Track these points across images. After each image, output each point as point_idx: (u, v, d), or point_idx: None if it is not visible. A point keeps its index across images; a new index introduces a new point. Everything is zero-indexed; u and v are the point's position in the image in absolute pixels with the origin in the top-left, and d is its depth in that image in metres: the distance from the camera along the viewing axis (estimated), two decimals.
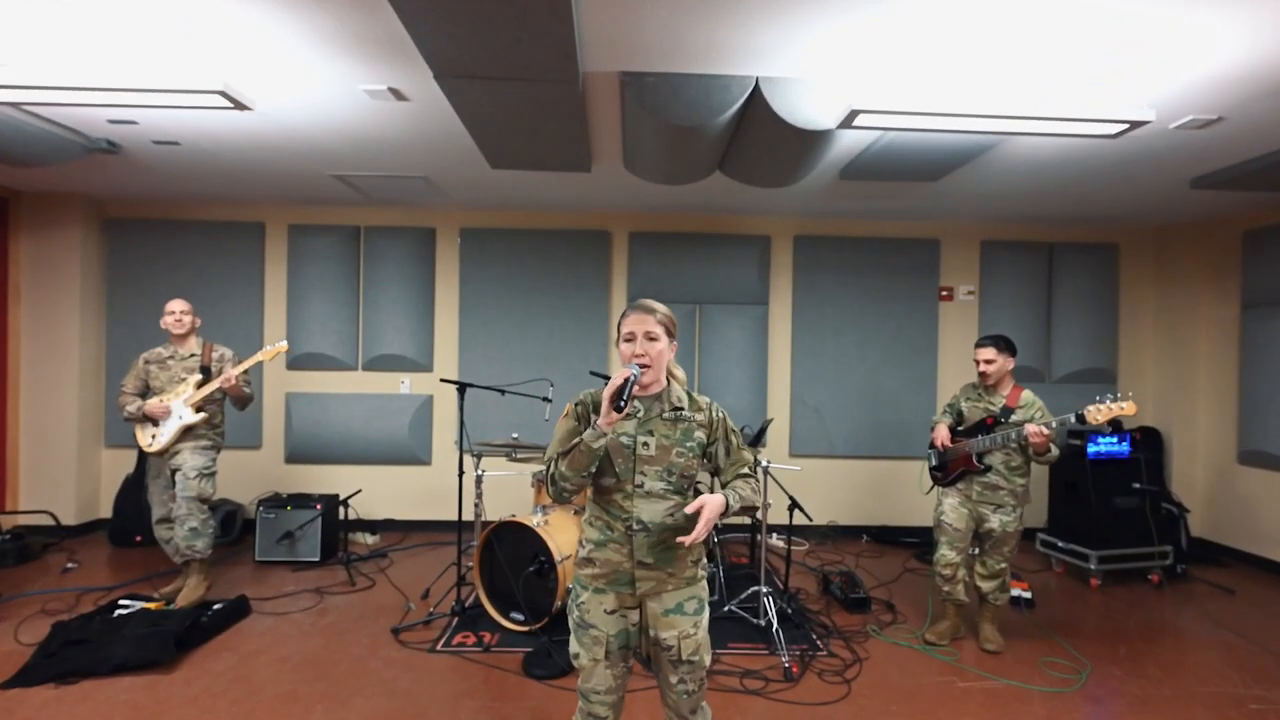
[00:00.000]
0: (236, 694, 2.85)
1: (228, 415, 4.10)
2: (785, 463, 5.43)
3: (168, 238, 5.34)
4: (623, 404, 1.69)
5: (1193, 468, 5.35)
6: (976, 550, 3.58)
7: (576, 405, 1.95)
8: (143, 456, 4.31)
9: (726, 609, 3.71)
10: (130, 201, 5.33)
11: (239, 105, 2.85)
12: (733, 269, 5.48)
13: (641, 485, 1.85)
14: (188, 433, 3.84)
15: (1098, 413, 2.97)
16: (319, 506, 4.62)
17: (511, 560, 3.50)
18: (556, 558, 3.36)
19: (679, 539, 1.78)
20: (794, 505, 3.87)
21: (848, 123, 2.79)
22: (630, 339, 1.87)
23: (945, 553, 3.49)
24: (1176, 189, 4.36)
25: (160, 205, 5.35)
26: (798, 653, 3.30)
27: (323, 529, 4.61)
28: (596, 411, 1.85)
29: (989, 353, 3.40)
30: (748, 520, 4.80)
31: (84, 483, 5.22)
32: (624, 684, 1.92)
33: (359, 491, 4.78)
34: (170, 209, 5.36)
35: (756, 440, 4.07)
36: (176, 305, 3.92)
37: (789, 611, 3.66)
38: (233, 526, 5.03)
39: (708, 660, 1.91)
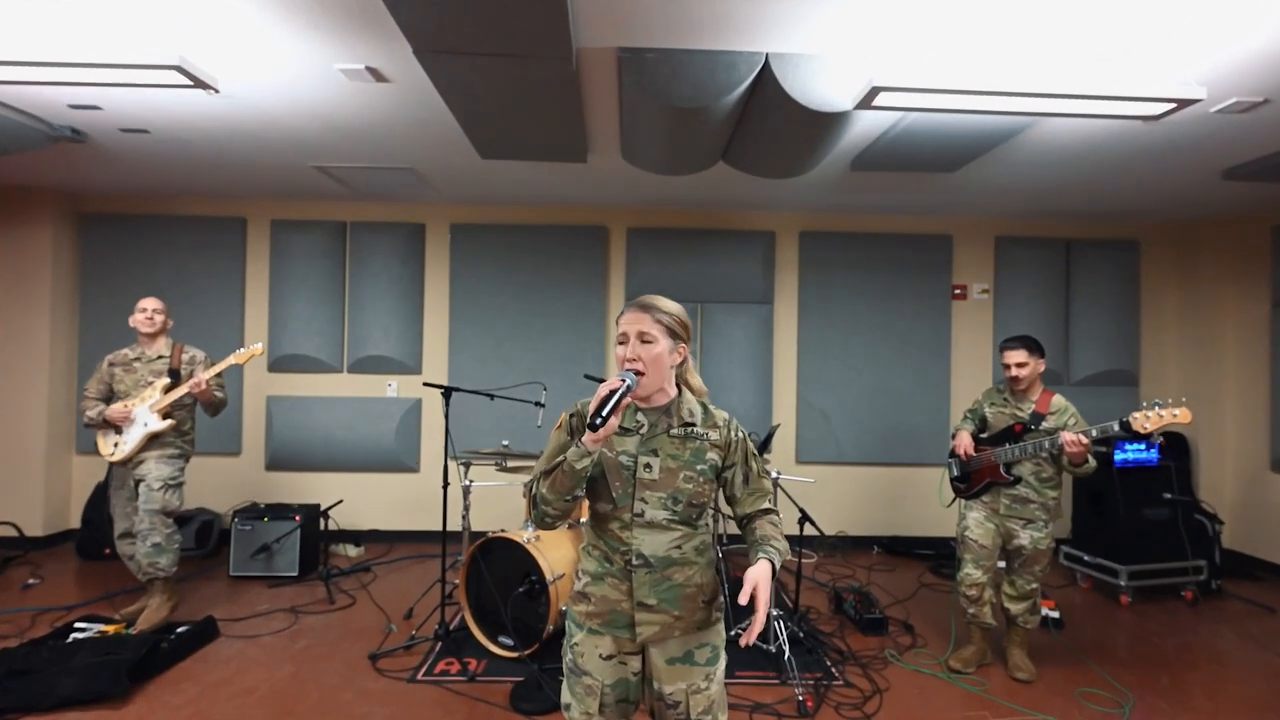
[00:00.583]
0: None
1: (200, 421, 3.84)
2: (792, 470, 5.18)
3: (145, 234, 5.08)
4: (599, 421, 1.43)
5: (1221, 476, 5.09)
6: (1004, 564, 3.31)
7: (571, 416, 1.69)
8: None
9: (734, 632, 3.44)
10: (105, 196, 5.07)
11: (200, 84, 2.59)
12: (736, 266, 5.22)
13: (641, 514, 1.59)
14: (153, 440, 3.57)
15: (1146, 420, 2.70)
16: (298, 518, 4.35)
17: (499, 580, 3.23)
18: (548, 577, 3.10)
19: (741, 640, 1.50)
20: (804, 518, 3.61)
21: (867, 102, 2.53)
22: (624, 341, 1.61)
23: (970, 571, 3.23)
24: (1207, 181, 4.10)
25: (137, 200, 5.09)
26: (811, 682, 3.03)
27: (302, 541, 4.34)
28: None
29: (1020, 355, 3.14)
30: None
31: (52, 492, 4.95)
32: None
33: (340, 502, 4.52)
34: (148, 204, 5.10)
35: (763, 448, 3.80)
36: (149, 303, 3.66)
37: (801, 635, 3.39)
38: (208, 538, 4.76)
39: None
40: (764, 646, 3.30)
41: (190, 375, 3.64)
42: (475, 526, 4.45)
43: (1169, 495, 4.30)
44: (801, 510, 3.60)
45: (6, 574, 4.36)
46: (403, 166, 4.19)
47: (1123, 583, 4.15)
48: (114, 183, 4.73)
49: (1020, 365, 3.12)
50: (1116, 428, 2.77)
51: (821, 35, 2.42)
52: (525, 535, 3.25)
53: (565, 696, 1.65)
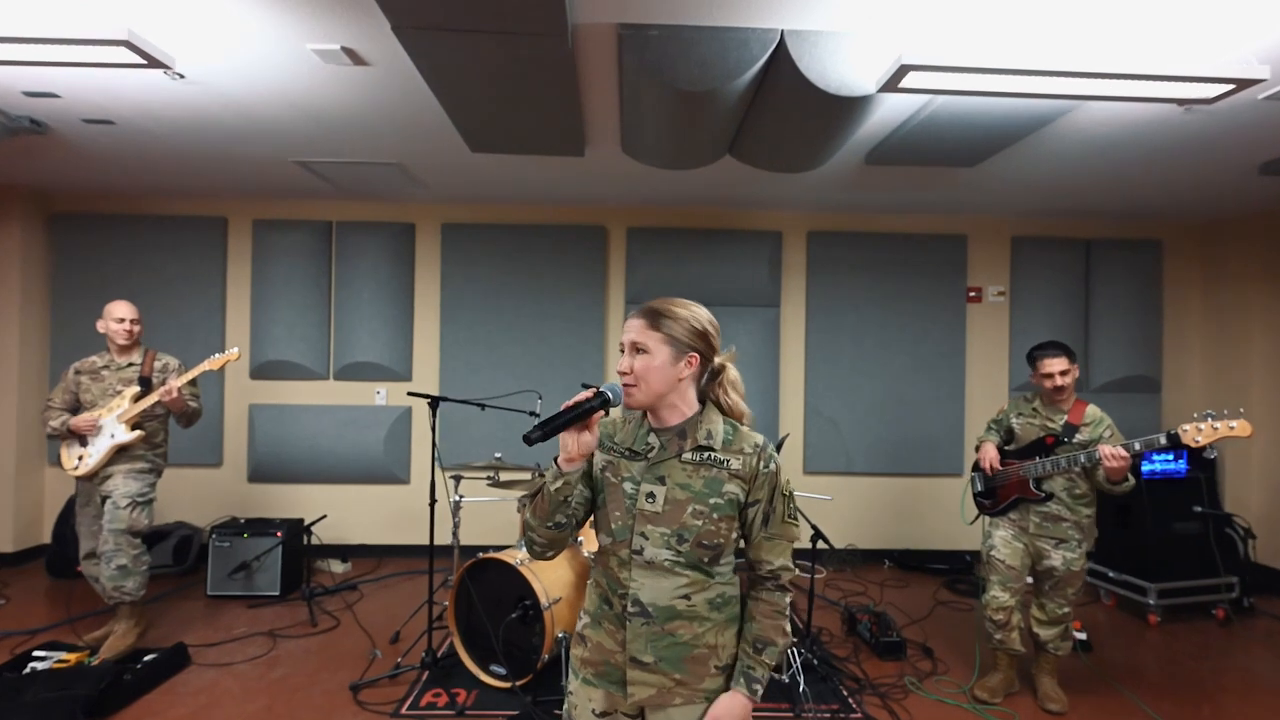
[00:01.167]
0: None
1: (179, 431, 3.60)
2: (799, 480, 4.94)
3: (121, 234, 4.84)
4: (536, 435, 1.25)
5: (1247, 487, 4.86)
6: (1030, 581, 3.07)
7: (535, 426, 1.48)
8: None
9: None
10: (78, 194, 4.83)
11: (153, 62, 2.36)
12: (741, 268, 4.99)
13: (640, 551, 1.36)
14: (121, 453, 3.34)
15: (1197, 433, 2.47)
16: (279, 534, 4.10)
17: (491, 604, 2.99)
18: (543, 602, 2.86)
19: None
20: (817, 534, 3.38)
21: (894, 84, 2.31)
22: (622, 349, 1.43)
23: (997, 594, 2.99)
24: (1241, 175, 3.88)
25: (112, 199, 4.85)
26: (828, 715, 2.80)
27: (284, 558, 4.10)
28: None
29: (1062, 362, 2.90)
30: None
31: (23, 506, 4.70)
32: None
33: (324, 517, 4.27)
34: (124, 203, 4.86)
35: None
36: (126, 311, 3.40)
37: (814, 661, 3.16)
38: (187, 554, 4.52)
39: None
40: (776, 675, 3.06)
41: (163, 384, 3.40)
42: (469, 541, 4.22)
43: (1199, 508, 4.07)
44: (815, 527, 3.37)
45: None
46: (389, 161, 3.96)
47: (1152, 601, 3.92)
48: (85, 180, 4.49)
49: (1064, 374, 2.89)
50: (1163, 440, 2.54)
51: (843, 9, 2.19)
52: (519, 556, 3.01)
53: None
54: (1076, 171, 3.90)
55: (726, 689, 1.38)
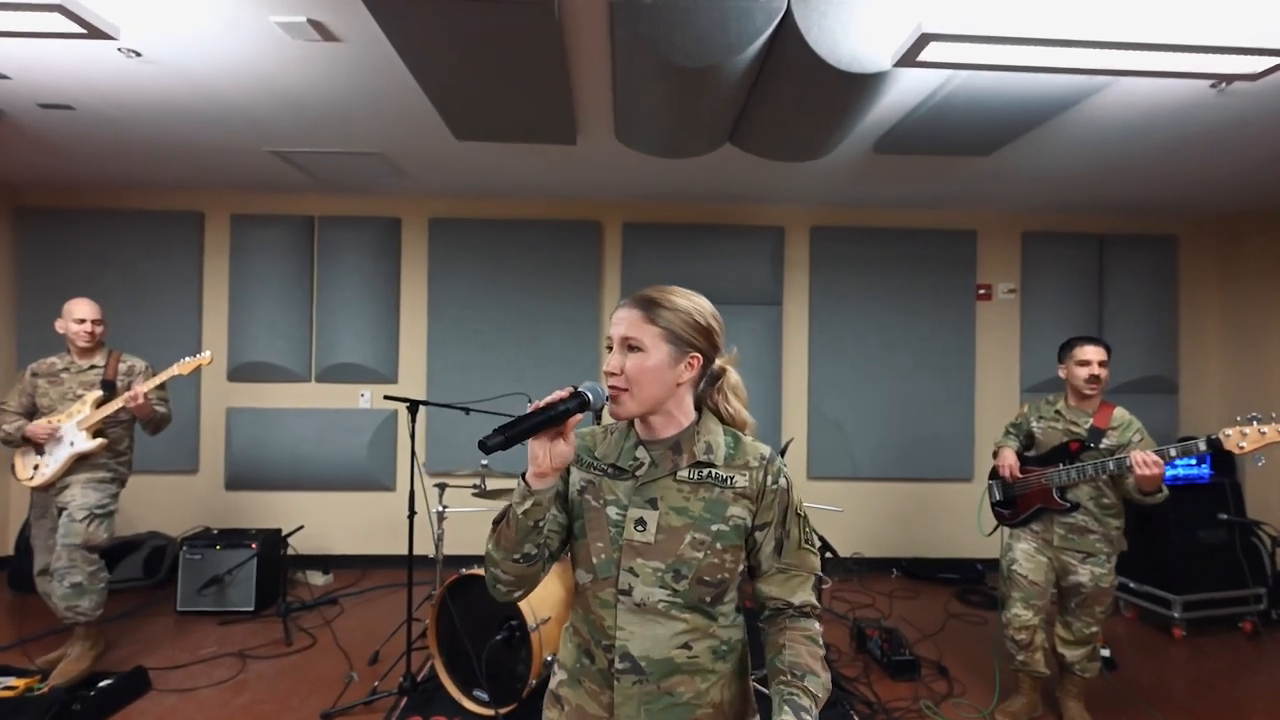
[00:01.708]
0: None
1: (148, 437, 3.37)
2: (802, 485, 4.73)
3: (92, 230, 4.61)
4: (495, 439, 1.02)
5: (1268, 492, 4.65)
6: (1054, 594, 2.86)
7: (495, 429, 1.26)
8: None
9: None
10: (46, 188, 4.60)
11: (94, 31, 2.14)
12: (741, 265, 4.78)
13: (629, 591, 1.15)
14: (81, 462, 3.12)
15: (1241, 437, 2.27)
16: (254, 545, 3.88)
17: (474, 623, 2.77)
18: (530, 623, 2.65)
19: None
20: (824, 547, 3.17)
21: (911, 57, 2.10)
22: (610, 345, 1.20)
23: (1019, 612, 2.78)
24: (1269, 163, 3.68)
25: (82, 192, 4.62)
26: None
27: (259, 571, 3.87)
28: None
29: (1102, 351, 2.70)
30: None
31: None
32: None
33: (300, 528, 4.06)
34: (96, 197, 4.64)
35: None
36: (87, 310, 3.18)
37: None
38: (159, 566, 4.29)
39: None
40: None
41: (129, 388, 3.18)
42: (455, 551, 4.00)
43: (1224, 515, 3.87)
44: (822, 539, 3.16)
45: None
46: (370, 151, 3.74)
47: (1177, 614, 3.72)
48: (52, 173, 4.27)
49: (1103, 364, 2.68)
50: (1203, 446, 2.34)
51: None
52: None
53: None
54: (1093, 162, 3.70)
55: None
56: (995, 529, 3.02)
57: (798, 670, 1.12)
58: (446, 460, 4.56)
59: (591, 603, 1.18)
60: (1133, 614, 4.05)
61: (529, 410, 1.07)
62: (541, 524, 1.11)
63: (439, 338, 4.72)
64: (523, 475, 1.10)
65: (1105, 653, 3.32)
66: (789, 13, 2.15)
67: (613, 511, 1.17)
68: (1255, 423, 2.27)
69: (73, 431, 3.11)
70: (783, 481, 1.21)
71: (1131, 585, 4.00)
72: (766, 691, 1.21)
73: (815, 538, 1.26)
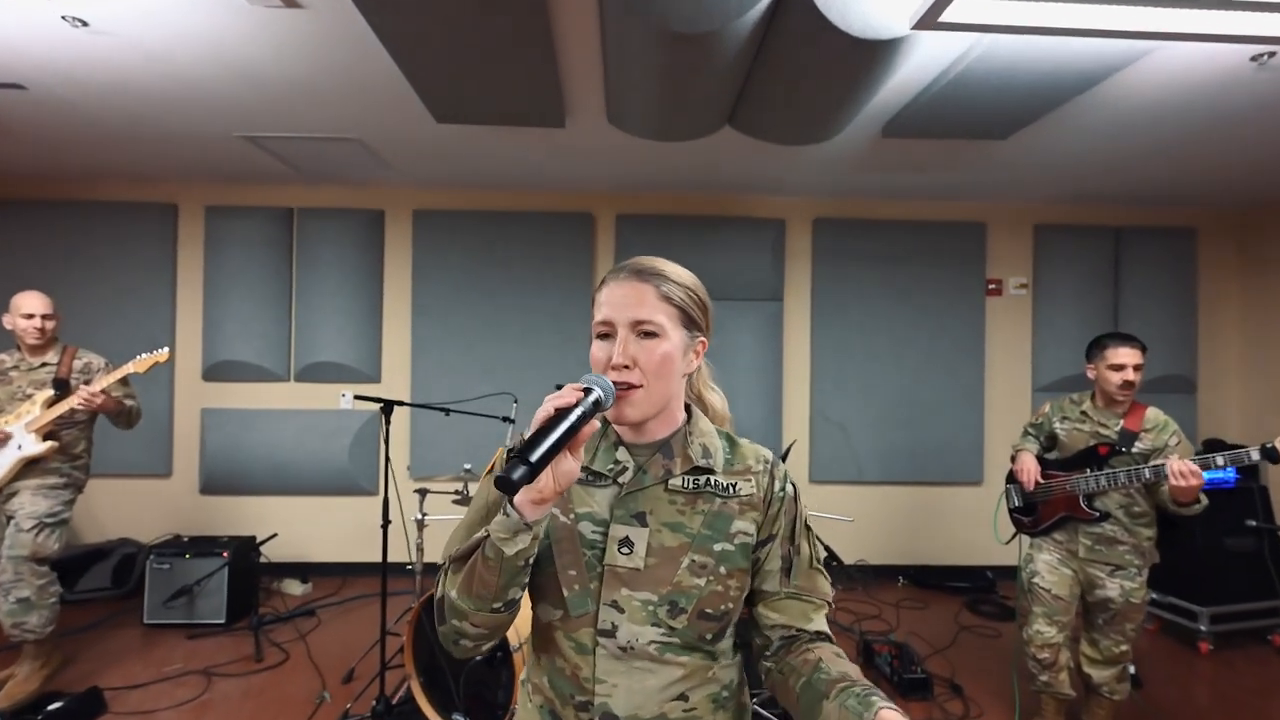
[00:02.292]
0: None
1: (125, 438, 3.15)
2: (805, 490, 4.52)
3: (59, 222, 4.38)
4: (522, 471, 0.77)
5: None
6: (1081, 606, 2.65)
7: (510, 454, 1.04)
8: None
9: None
10: (9, 179, 4.38)
11: None
12: (741, 258, 4.57)
13: (612, 631, 0.93)
14: (31, 467, 2.90)
15: None
16: (226, 554, 3.66)
17: None
18: (513, 643, 2.43)
19: None
20: (830, 556, 2.95)
21: (933, 18, 1.88)
22: (606, 333, 0.96)
23: (1042, 629, 2.57)
24: None
25: (49, 183, 4.40)
26: None
27: (231, 582, 3.65)
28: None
29: (1138, 354, 2.49)
30: None
31: None
32: None
33: (274, 536, 3.84)
34: (62, 187, 4.41)
35: None
36: (35, 304, 2.95)
37: None
38: (128, 576, 4.06)
39: None
40: None
41: (85, 386, 2.96)
42: (437, 559, 3.79)
43: (1253, 522, 3.66)
44: (827, 548, 2.95)
45: None
46: (348, 137, 3.53)
47: (1203, 627, 3.51)
48: (13, 161, 4.04)
49: (1137, 368, 2.47)
50: (1255, 456, 2.12)
51: None
52: None
53: None
54: (1114, 148, 3.50)
55: None
56: (1014, 537, 2.81)
57: (846, 679, 0.89)
58: (432, 464, 4.35)
59: (562, 647, 0.96)
60: (1155, 626, 3.84)
61: (543, 420, 0.83)
62: (532, 560, 0.89)
63: (424, 335, 4.51)
64: (508, 504, 0.85)
65: (1131, 669, 3.11)
66: None
67: (588, 529, 0.96)
68: None
69: (21, 434, 2.89)
70: (790, 488, 1.02)
71: (1154, 596, 3.79)
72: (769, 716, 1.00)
73: (822, 550, 1.06)
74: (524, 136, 3.45)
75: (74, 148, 3.75)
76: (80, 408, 2.85)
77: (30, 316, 2.91)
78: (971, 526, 4.59)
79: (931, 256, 4.65)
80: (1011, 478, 2.79)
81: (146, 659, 3.25)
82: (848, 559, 4.37)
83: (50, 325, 2.98)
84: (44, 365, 3.00)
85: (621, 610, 0.93)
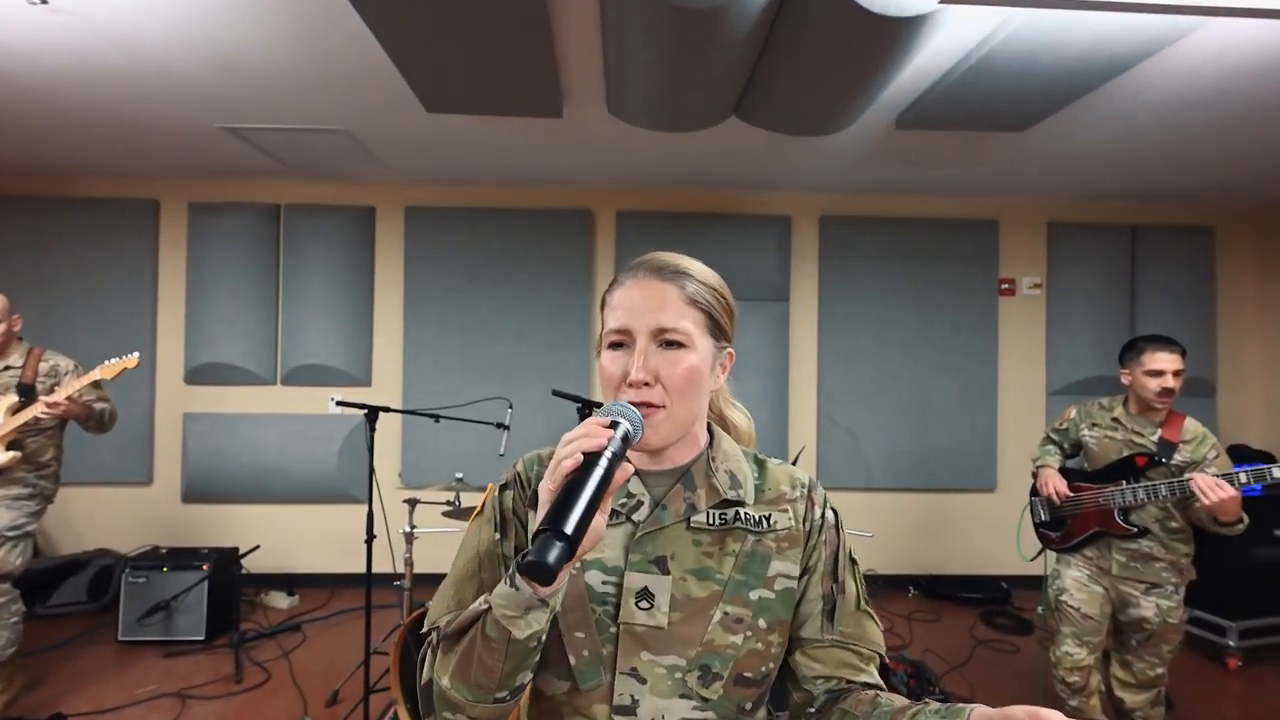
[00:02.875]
0: None
1: (103, 444, 2.98)
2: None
3: (35, 219, 4.21)
4: (558, 550, 0.62)
5: None
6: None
7: (504, 490, 0.87)
8: None
9: None
10: None
11: None
12: (745, 257, 4.40)
13: (633, 708, 0.76)
14: None
15: None
16: (205, 567, 3.49)
17: None
18: None
19: None
20: None
21: None
22: (621, 342, 0.80)
23: (1072, 650, 2.41)
24: None
25: (24, 178, 4.22)
26: None
27: (211, 595, 3.47)
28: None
29: (1177, 360, 2.33)
30: None
31: None
32: None
33: (257, 547, 3.67)
34: (38, 183, 4.23)
35: None
36: None
37: None
38: (105, 588, 3.89)
39: None
40: None
41: (52, 391, 2.79)
42: (427, 569, 3.61)
43: None
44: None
45: None
46: (334, 128, 3.36)
47: (1232, 642, 3.35)
48: None
49: (1177, 374, 2.31)
50: (1279, 474, 1.96)
51: None
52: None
53: None
54: (1136, 142, 3.34)
55: None
56: (1039, 554, 2.65)
57: (923, 704, 0.73)
58: (425, 471, 4.18)
59: None
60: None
61: (566, 470, 0.65)
62: (544, 639, 0.72)
63: (416, 337, 4.33)
64: (514, 572, 0.68)
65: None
66: None
67: (597, 579, 0.79)
68: None
69: None
70: (830, 514, 0.87)
71: None
72: None
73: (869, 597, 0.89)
74: (519, 128, 3.28)
75: (44, 139, 3.58)
76: (44, 416, 2.67)
77: None
78: (984, 534, 4.43)
79: (942, 255, 4.49)
80: (1035, 490, 2.63)
81: (119, 680, 3.07)
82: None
83: (14, 326, 2.80)
84: (7, 369, 2.82)
85: (643, 680, 0.76)
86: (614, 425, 0.70)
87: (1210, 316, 4.61)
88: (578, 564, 0.77)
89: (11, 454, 2.70)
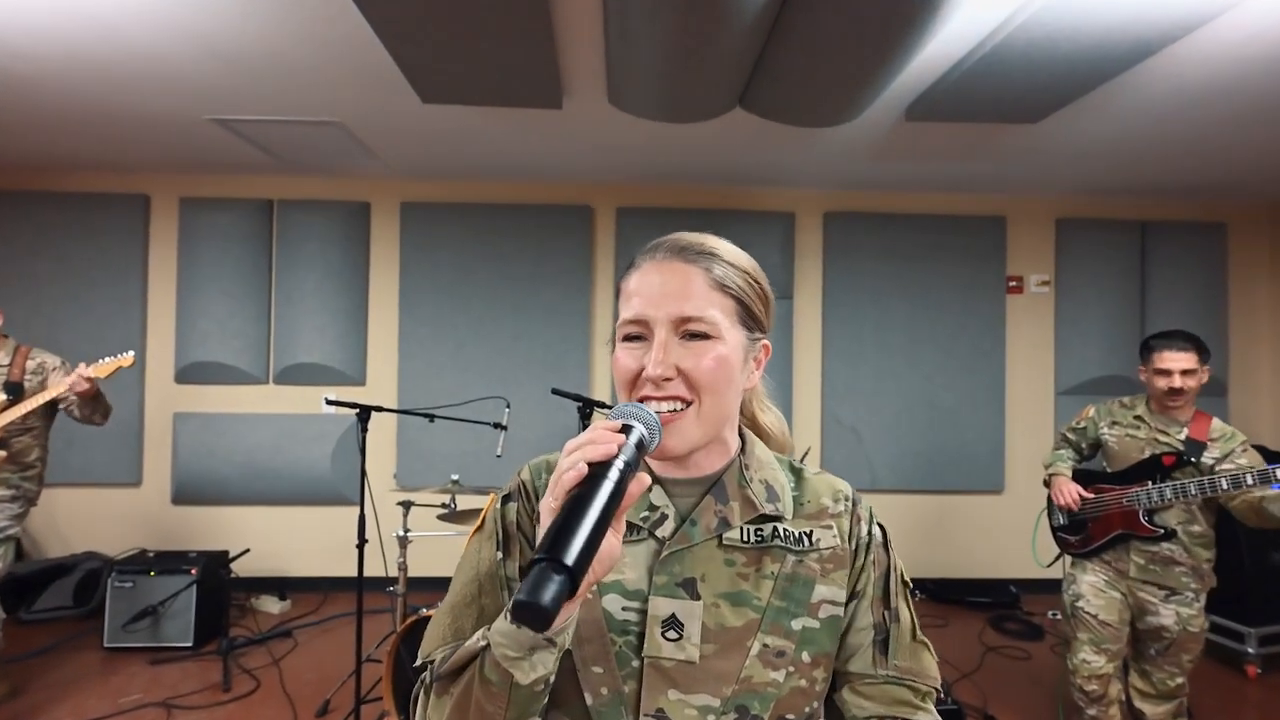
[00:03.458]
0: None
1: (91, 444, 2.89)
2: None
3: (22, 214, 4.11)
4: (560, 584, 0.50)
5: None
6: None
7: (506, 501, 0.77)
8: None
9: None
10: None
11: None
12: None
13: None
14: None
15: None
16: (194, 571, 3.39)
17: None
18: None
19: None
20: None
21: None
22: (638, 334, 0.70)
23: (1089, 658, 2.32)
24: None
25: (9, 172, 4.12)
26: None
27: (200, 601, 3.38)
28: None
29: (1188, 358, 2.24)
30: None
31: None
32: None
33: (246, 551, 3.58)
34: (25, 177, 4.14)
35: None
36: None
37: None
38: (92, 593, 3.78)
39: None
40: None
41: (40, 389, 2.74)
42: (422, 573, 3.51)
43: None
44: None
45: None
46: (328, 120, 3.27)
47: (1251, 649, 3.26)
48: None
49: (1185, 373, 2.22)
50: None
51: None
52: None
53: None
54: (1150, 135, 3.26)
55: None
56: (1057, 558, 2.56)
57: None
58: (420, 472, 4.09)
59: None
60: None
61: (571, 485, 0.55)
62: (552, 681, 0.62)
63: (412, 335, 4.24)
64: (514, 609, 0.54)
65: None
66: None
67: (617, 605, 0.69)
68: None
69: None
70: (878, 531, 0.77)
71: None
72: None
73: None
74: (518, 120, 3.19)
75: (29, 131, 3.48)
76: (73, 395, 2.62)
77: None
78: (992, 537, 4.34)
79: (949, 252, 4.40)
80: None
81: (103, 688, 2.98)
82: None
83: None
84: None
85: (667, 719, 0.67)
86: (626, 430, 0.60)
87: (1221, 315, 4.52)
88: (593, 587, 0.68)
89: None
